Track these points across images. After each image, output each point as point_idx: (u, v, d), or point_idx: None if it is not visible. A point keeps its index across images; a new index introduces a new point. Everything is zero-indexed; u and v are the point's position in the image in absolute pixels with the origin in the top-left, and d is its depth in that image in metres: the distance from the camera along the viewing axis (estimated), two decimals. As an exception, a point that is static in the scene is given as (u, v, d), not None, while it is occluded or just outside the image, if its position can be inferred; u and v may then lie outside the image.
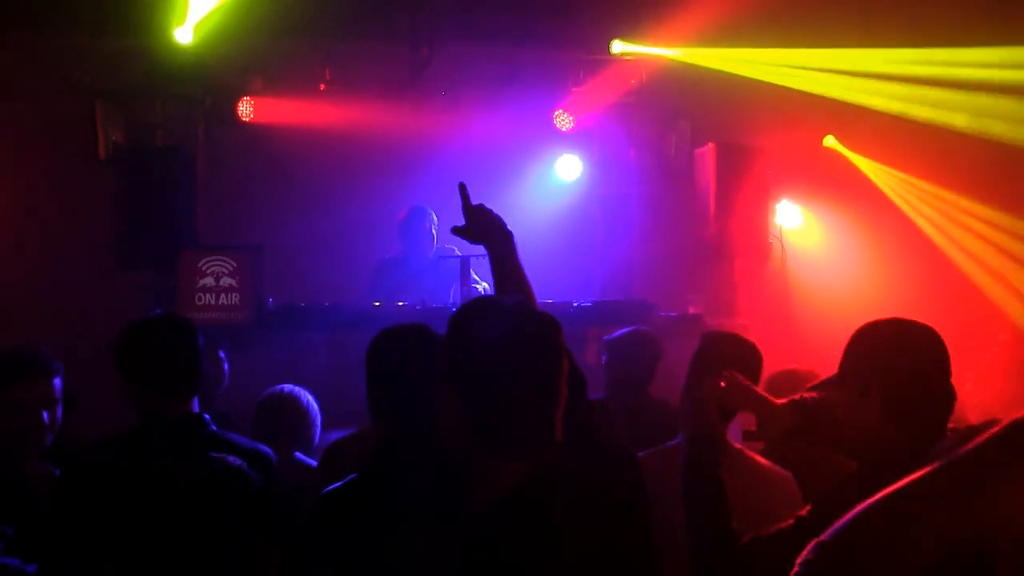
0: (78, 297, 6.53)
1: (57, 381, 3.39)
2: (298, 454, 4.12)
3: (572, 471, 1.95)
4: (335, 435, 4.56)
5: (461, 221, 2.52)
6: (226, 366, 4.94)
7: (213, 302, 5.91)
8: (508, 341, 1.93)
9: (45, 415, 3.30)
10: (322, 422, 4.73)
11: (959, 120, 6.75)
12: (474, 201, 2.55)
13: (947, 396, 2.24)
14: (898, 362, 2.27)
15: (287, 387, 4.36)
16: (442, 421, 1.95)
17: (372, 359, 2.72)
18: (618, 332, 4.79)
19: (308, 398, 4.34)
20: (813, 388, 2.53)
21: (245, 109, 7.17)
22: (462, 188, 2.62)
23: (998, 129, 6.64)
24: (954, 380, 2.25)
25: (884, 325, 2.36)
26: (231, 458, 1.75)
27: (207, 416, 3.07)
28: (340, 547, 2.49)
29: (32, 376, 3.32)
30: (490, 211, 2.57)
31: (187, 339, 3.08)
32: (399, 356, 2.67)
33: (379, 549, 2.43)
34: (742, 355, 3.18)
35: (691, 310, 6.56)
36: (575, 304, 6.12)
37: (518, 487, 1.87)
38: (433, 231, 6.69)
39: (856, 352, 2.36)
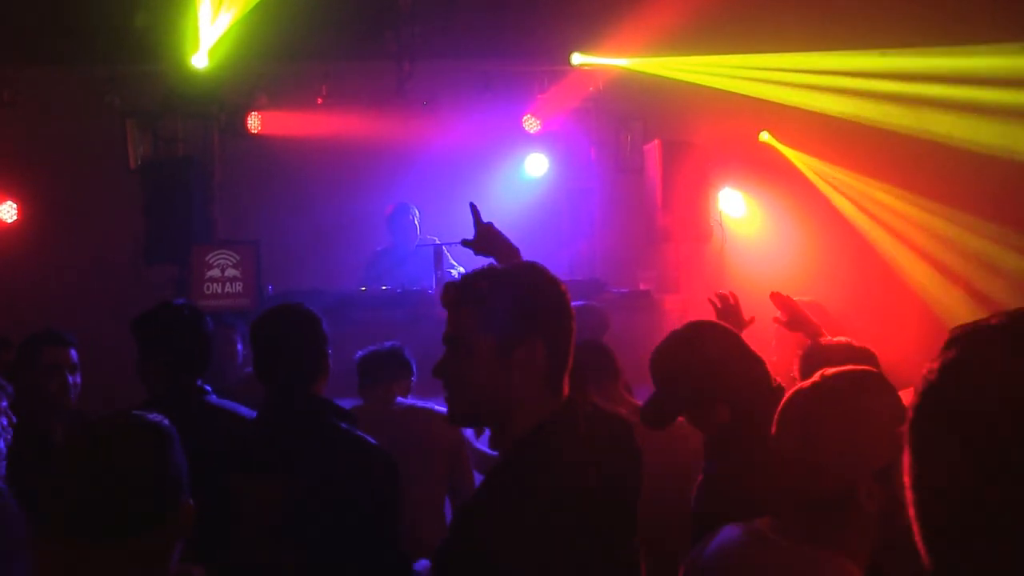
0: (111, 287, 6.95)
1: (73, 351, 3.87)
2: None
3: (582, 413, 2.04)
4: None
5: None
6: (239, 346, 5.39)
7: (220, 290, 6.33)
8: (564, 297, 2.04)
9: (69, 377, 3.81)
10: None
11: (871, 114, 7.21)
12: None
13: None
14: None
15: None
16: (522, 368, 1.97)
17: (252, 331, 3.05)
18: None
19: None
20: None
21: (254, 122, 7.61)
22: (473, 208, 2.76)
23: (903, 120, 7.10)
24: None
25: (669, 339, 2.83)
26: (152, 415, 1.92)
27: (208, 387, 3.30)
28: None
29: (55, 343, 3.85)
30: (498, 230, 2.70)
31: (197, 324, 3.35)
32: (270, 328, 3.03)
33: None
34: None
35: (642, 286, 7.07)
36: (538, 283, 6.79)
37: (547, 419, 1.97)
38: (416, 223, 7.05)
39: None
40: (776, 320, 3.69)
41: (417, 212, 7.11)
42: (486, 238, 2.69)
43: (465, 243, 2.73)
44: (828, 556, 1.88)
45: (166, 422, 1.95)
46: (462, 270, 6.74)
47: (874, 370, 2.11)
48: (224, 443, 2.99)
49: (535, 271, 2.09)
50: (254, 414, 3.34)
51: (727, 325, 3.24)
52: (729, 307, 3.67)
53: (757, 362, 2.77)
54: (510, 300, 2.02)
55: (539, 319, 2.00)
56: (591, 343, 3.80)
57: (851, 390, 1.97)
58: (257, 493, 2.77)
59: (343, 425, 2.96)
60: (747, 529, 2.03)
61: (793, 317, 3.62)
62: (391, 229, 7.14)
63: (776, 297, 3.68)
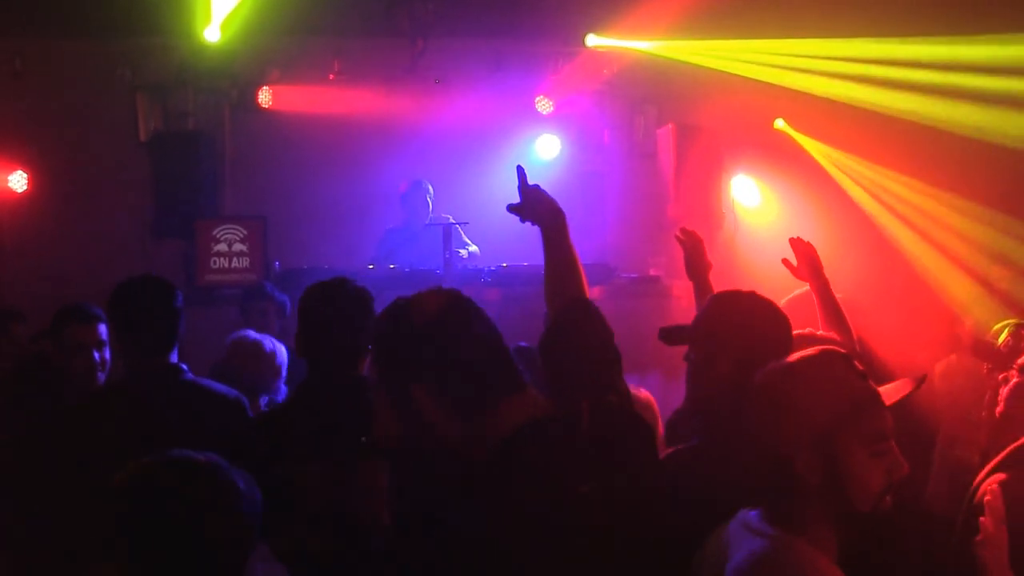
0: (119, 262, 6.53)
1: (102, 327, 3.70)
2: (264, 403, 4.05)
3: (569, 422, 1.93)
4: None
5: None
6: (276, 319, 5.20)
7: (227, 265, 6.27)
8: (435, 321, 1.91)
9: (96, 355, 3.67)
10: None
11: (887, 102, 7.15)
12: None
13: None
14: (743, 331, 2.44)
15: (251, 334, 4.24)
16: (417, 414, 1.88)
17: (300, 307, 2.94)
18: None
19: (272, 344, 4.18)
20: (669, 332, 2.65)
21: (265, 97, 7.60)
22: (520, 171, 2.61)
23: (920, 108, 7.06)
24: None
25: (736, 297, 2.57)
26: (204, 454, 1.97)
27: (184, 366, 3.22)
28: (268, 459, 2.66)
29: (79, 321, 3.70)
30: (544, 192, 2.55)
31: (164, 299, 3.21)
32: (319, 305, 2.91)
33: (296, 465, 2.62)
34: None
35: (652, 272, 6.98)
36: (547, 266, 6.73)
37: (512, 434, 1.85)
38: (429, 201, 6.94)
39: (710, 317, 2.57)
40: (786, 263, 3.55)
41: (431, 190, 7.04)
42: (531, 203, 2.54)
43: (511, 208, 2.59)
44: (780, 536, 1.85)
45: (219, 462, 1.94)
46: (475, 249, 6.81)
47: (837, 349, 2.07)
48: (248, 429, 2.92)
49: (403, 310, 1.95)
50: (231, 391, 3.26)
51: (691, 264, 3.52)
52: (695, 243, 3.58)
53: (786, 338, 2.50)
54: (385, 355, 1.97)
55: (411, 367, 1.89)
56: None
57: (788, 365, 1.94)
58: (306, 478, 2.66)
59: None
60: (738, 520, 1.98)
61: (807, 264, 3.45)
62: (404, 207, 7.07)
63: (796, 242, 3.52)
